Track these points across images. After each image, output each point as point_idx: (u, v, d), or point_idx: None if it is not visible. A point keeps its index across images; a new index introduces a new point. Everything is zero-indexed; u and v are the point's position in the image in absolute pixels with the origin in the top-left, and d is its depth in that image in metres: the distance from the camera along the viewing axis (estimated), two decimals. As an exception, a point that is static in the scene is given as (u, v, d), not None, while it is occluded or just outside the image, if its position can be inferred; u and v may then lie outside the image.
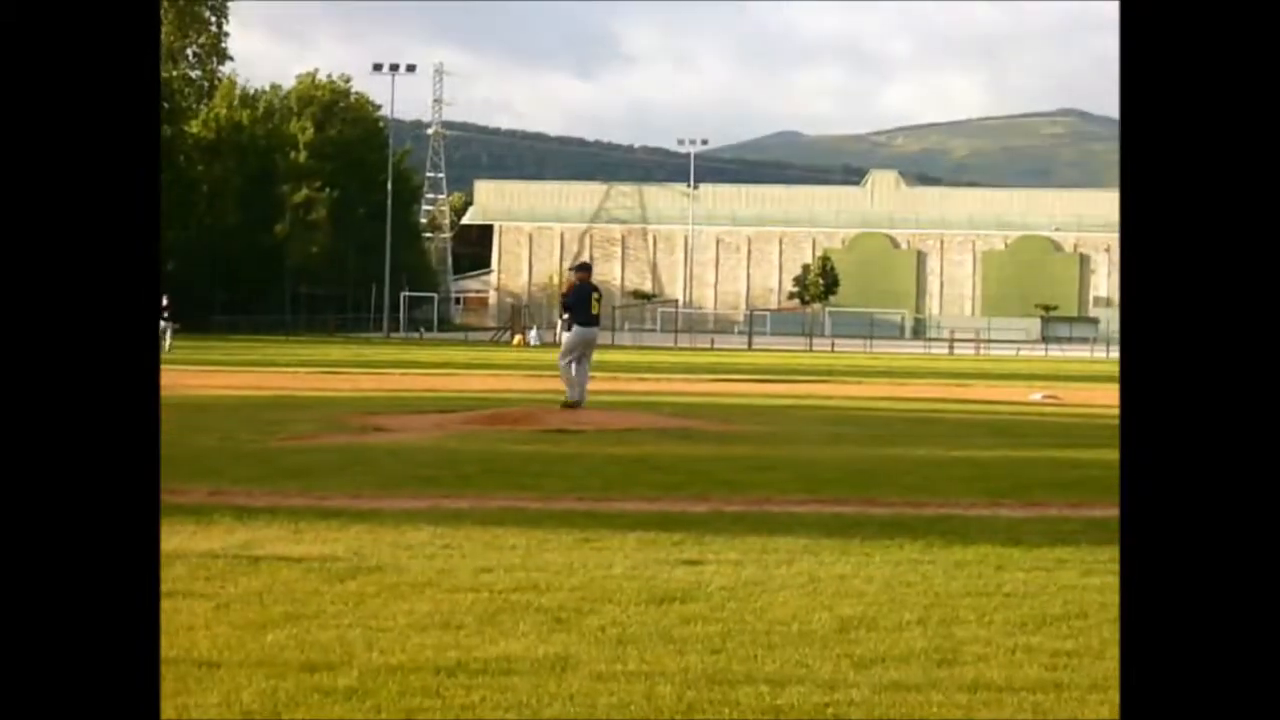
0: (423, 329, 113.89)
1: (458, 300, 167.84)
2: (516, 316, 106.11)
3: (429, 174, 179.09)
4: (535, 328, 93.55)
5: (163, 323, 56.90)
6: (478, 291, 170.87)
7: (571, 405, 23.34)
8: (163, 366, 40.82)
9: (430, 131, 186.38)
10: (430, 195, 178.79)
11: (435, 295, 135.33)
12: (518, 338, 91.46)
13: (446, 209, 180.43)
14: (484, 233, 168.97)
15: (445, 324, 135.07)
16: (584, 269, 25.34)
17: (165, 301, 57.42)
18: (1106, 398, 37.10)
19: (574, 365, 24.33)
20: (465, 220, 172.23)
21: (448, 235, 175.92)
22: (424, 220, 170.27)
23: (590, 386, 35.84)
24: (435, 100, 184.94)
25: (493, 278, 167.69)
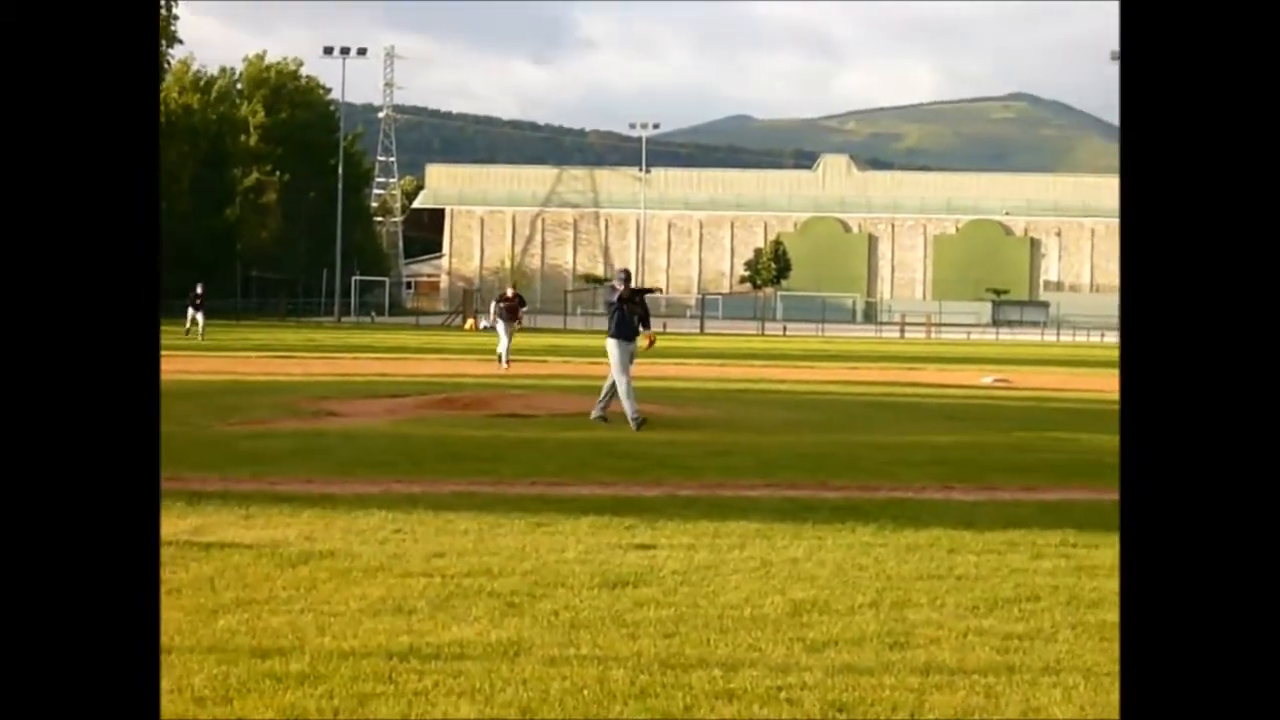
0: (374, 313, 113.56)
1: (409, 284, 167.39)
2: (468, 301, 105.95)
3: (380, 158, 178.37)
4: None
5: (194, 310, 56.63)
6: (429, 276, 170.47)
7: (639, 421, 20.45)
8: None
9: (381, 115, 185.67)
10: (381, 179, 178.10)
11: (386, 280, 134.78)
12: (469, 322, 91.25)
13: (398, 193, 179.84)
14: (435, 217, 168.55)
15: (396, 308, 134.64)
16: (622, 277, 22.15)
17: (199, 290, 57.26)
18: (1058, 381, 37.30)
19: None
20: (416, 204, 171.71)
21: (399, 219, 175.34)
22: (375, 204, 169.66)
23: (543, 370, 35.94)
24: (386, 84, 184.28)
25: (444, 262, 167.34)
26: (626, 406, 20.22)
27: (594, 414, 20.96)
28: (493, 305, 39.27)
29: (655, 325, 21.55)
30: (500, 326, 37.95)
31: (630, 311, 21.08)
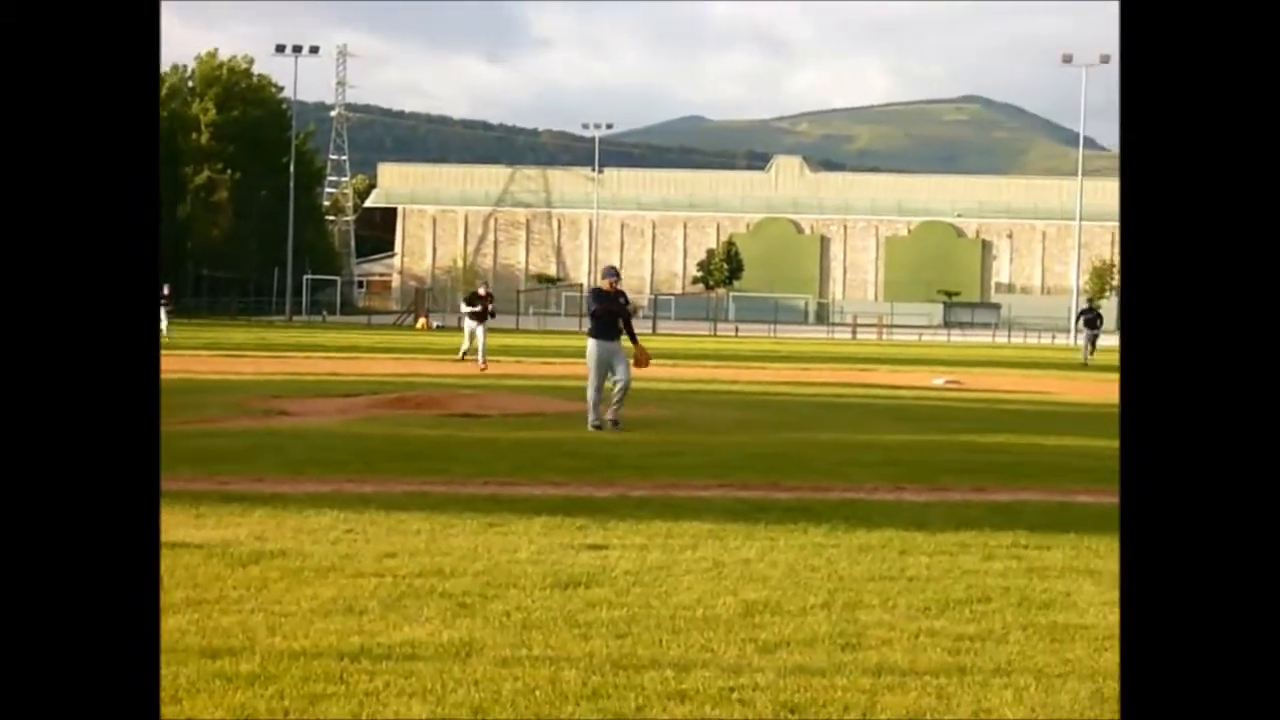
0: (325, 312, 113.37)
1: (360, 284, 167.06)
2: (420, 300, 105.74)
3: (332, 156, 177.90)
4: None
5: (163, 310, 56.36)
6: (381, 275, 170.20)
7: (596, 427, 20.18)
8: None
9: (333, 113, 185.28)
10: (333, 178, 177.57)
11: (338, 278, 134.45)
12: (421, 321, 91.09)
13: (349, 192, 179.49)
14: (387, 216, 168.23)
15: (348, 307, 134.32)
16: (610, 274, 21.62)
17: (166, 291, 57.01)
18: (1008, 383, 37.42)
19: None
20: (368, 203, 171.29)
21: (350, 218, 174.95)
22: (327, 203, 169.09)
23: (495, 370, 35.88)
24: (339, 82, 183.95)
25: (396, 261, 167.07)
26: (590, 409, 20.08)
27: (609, 416, 20.19)
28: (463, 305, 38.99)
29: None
30: (467, 326, 37.73)
31: (613, 313, 20.72)
